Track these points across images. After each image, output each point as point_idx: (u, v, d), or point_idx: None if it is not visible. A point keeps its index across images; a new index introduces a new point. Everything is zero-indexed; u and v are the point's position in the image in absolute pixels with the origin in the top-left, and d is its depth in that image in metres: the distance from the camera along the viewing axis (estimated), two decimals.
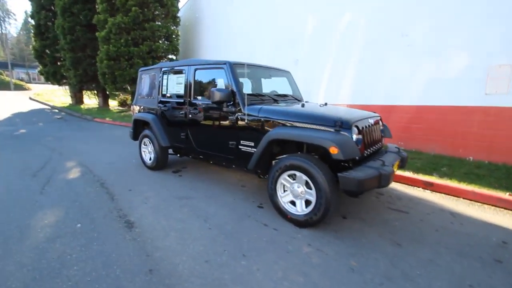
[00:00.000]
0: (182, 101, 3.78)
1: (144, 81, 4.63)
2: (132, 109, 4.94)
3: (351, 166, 2.48)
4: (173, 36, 13.34)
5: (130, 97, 15.47)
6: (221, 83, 3.40)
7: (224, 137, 3.29)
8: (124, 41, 11.71)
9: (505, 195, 3.13)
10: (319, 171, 2.37)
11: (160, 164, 4.32)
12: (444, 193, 3.52)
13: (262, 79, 3.88)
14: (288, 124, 2.73)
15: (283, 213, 2.70)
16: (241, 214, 2.89)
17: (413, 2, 5.22)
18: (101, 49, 12.00)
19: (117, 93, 15.38)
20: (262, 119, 2.91)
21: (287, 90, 4.02)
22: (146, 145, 4.55)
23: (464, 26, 4.57)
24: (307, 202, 2.55)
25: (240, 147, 3.15)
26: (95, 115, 12.88)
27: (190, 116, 3.67)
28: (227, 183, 3.86)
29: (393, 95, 5.57)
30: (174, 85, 3.96)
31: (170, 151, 4.40)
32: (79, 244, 2.28)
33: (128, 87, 13.02)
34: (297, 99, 3.84)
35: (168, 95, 4.08)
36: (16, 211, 2.89)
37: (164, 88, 4.12)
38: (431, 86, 5.00)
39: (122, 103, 20.22)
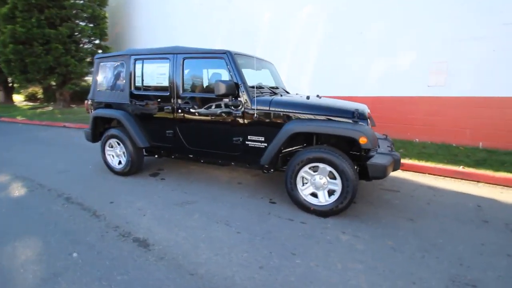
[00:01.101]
0: (167, 94, 3.31)
1: (104, 71, 3.87)
2: (86, 105, 4.09)
3: (368, 155, 2.65)
4: (100, 18, 11.50)
5: (42, 91, 12.75)
6: (218, 74, 3.12)
7: (226, 133, 3.06)
8: (35, 21, 9.49)
9: (459, 168, 3.87)
10: (346, 161, 2.46)
11: (134, 168, 3.74)
12: (413, 171, 4.13)
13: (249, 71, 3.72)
14: (304, 117, 2.72)
15: (304, 206, 2.70)
16: (259, 212, 2.77)
17: (369, 3, 5.79)
18: (3, 30, 9.44)
19: (28, 85, 12.47)
20: (275, 112, 2.82)
21: (270, 82, 3.97)
22: (112, 147, 3.86)
23: (411, 27, 5.33)
24: (329, 192, 2.63)
25: (247, 142, 2.98)
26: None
27: (180, 111, 3.26)
28: (221, 182, 3.63)
29: (351, 87, 6.14)
30: (153, 76, 3.43)
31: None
32: (95, 277, 1.81)
33: (43, 80, 10.72)
34: (286, 91, 3.83)
35: (144, 88, 3.52)
36: None
37: (138, 79, 3.53)
38: (384, 79, 5.71)
39: (31, 98, 16.60)
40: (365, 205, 2.94)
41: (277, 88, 3.66)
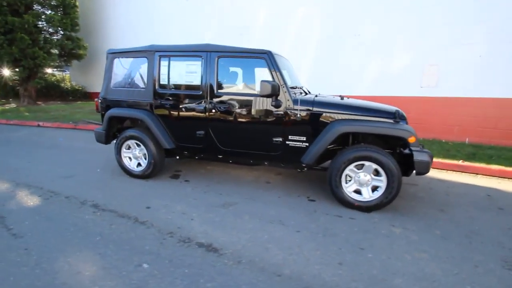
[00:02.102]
0: (199, 93, 3.20)
1: (121, 67, 3.59)
2: (96, 104, 3.76)
3: (407, 152, 2.85)
4: (71, 7, 10.52)
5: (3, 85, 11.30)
6: (257, 74, 3.10)
7: (266, 133, 3.06)
8: None
9: (459, 162, 4.32)
10: (391, 159, 2.63)
11: (156, 170, 3.56)
12: None
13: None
14: (347, 117, 2.84)
15: (348, 203, 2.83)
16: (306, 211, 2.84)
17: (365, 6, 6.10)
18: None
19: None
20: (318, 112, 2.89)
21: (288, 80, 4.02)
22: (130, 148, 3.62)
23: (406, 31, 5.75)
24: (372, 189, 2.79)
25: (287, 142, 3.01)
26: None
27: (214, 111, 3.17)
28: (249, 182, 3.62)
29: (347, 86, 6.44)
30: (182, 74, 3.29)
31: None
32: (182, 287, 1.73)
33: (6, 72, 9.53)
34: (309, 92, 3.91)
35: (170, 86, 3.35)
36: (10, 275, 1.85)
37: (164, 77, 3.34)
38: (379, 79, 6.09)
39: None
40: (397, 199, 3.16)
41: (300, 87, 3.73)
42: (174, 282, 1.78)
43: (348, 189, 2.84)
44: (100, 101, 3.71)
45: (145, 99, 3.44)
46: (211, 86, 3.15)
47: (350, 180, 2.85)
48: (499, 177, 4.01)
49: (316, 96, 3.22)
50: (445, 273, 1.93)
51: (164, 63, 3.33)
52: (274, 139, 3.05)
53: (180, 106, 3.31)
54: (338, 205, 2.94)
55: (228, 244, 2.22)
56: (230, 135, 3.22)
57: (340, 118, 2.84)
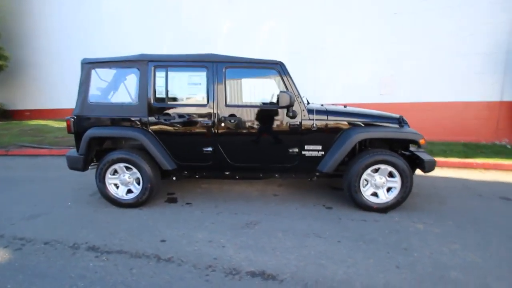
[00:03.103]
0: (205, 107, 2.92)
1: (99, 79, 3.04)
2: (68, 123, 3.09)
3: (407, 154, 3.11)
4: None
5: None
6: (268, 85, 3.00)
7: (282, 145, 2.97)
8: None
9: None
10: (404, 161, 2.83)
11: (152, 196, 3.10)
12: None
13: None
14: (361, 124, 2.96)
15: (366, 206, 2.92)
16: (330, 219, 2.82)
17: (329, 21, 6.60)
18: None
19: None
20: (333, 121, 2.94)
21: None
22: (117, 173, 3.08)
23: (365, 46, 6.40)
24: (387, 190, 2.95)
25: (303, 152, 2.98)
26: None
27: (223, 125, 2.93)
28: (256, 196, 3.45)
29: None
30: (182, 86, 2.97)
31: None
32: None
33: None
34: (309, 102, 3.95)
35: (169, 100, 2.98)
36: None
37: (160, 90, 2.96)
38: (345, 89, 6.61)
39: None
40: (410, 196, 3.34)
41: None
42: None
43: (366, 193, 2.95)
44: (73, 119, 3.07)
45: (137, 115, 2.98)
46: (220, 99, 2.92)
47: (366, 184, 2.97)
48: (459, 167, 4.73)
49: (322, 105, 3.29)
50: (483, 259, 2.14)
51: (160, 74, 2.96)
52: (290, 150, 2.99)
53: (183, 122, 2.97)
54: (355, 210, 3.02)
55: (281, 268, 2.04)
56: (243, 150, 3.02)
57: (352, 126, 2.96)
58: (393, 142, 3.18)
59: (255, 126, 2.96)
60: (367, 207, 2.94)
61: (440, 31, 5.76)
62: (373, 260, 2.14)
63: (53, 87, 10.23)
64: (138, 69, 2.96)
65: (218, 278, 1.94)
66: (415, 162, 3.03)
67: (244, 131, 2.97)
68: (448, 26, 5.68)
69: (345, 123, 2.96)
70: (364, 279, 1.92)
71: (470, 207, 3.14)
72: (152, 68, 2.94)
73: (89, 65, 3.04)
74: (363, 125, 2.97)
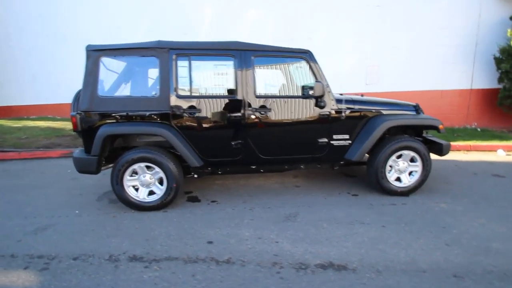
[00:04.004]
0: (235, 98, 2.76)
1: (111, 69, 2.67)
2: (74, 120, 2.67)
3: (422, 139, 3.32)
4: None
5: None
6: (297, 74, 2.92)
7: (312, 135, 2.96)
8: None
9: None
10: (424, 146, 3.02)
11: (176, 196, 2.88)
12: None
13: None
14: (384, 112, 3.07)
15: (391, 191, 3.08)
16: (364, 206, 2.92)
17: (314, 11, 6.64)
18: None
19: None
20: (359, 110, 3.01)
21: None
22: (136, 175, 2.78)
23: (351, 36, 6.59)
24: (409, 174, 3.13)
25: (332, 142, 3.01)
26: None
27: (253, 117, 2.81)
28: (279, 189, 3.43)
29: None
30: (208, 76, 2.75)
31: None
32: None
33: None
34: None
35: (194, 91, 2.74)
36: None
37: (184, 81, 2.71)
38: (333, 78, 6.75)
39: None
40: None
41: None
42: None
43: (391, 178, 3.09)
44: (80, 116, 2.67)
45: (158, 109, 2.71)
46: (249, 89, 2.79)
47: (391, 170, 3.11)
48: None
49: (341, 94, 3.34)
50: (508, 229, 2.41)
51: (182, 64, 2.70)
52: (320, 140, 2.99)
53: (210, 115, 2.78)
54: (379, 195, 3.16)
55: (346, 257, 2.06)
56: (273, 142, 2.95)
57: (377, 114, 3.06)
58: (410, 128, 3.37)
59: (286, 117, 2.89)
60: (392, 192, 3.10)
61: (418, 24, 6.20)
62: (423, 240, 2.27)
63: None
64: (157, 57, 2.67)
65: (291, 274, 1.89)
66: (430, 146, 3.27)
67: (275, 122, 2.89)
68: (426, 19, 6.14)
69: (370, 112, 3.05)
70: (425, 258, 2.03)
71: (473, 184, 3.49)
72: (174, 56, 2.68)
73: (97, 52, 2.65)
74: (385, 113, 3.09)
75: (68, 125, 7.32)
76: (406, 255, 2.08)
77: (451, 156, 4.85)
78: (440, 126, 3.06)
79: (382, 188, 3.10)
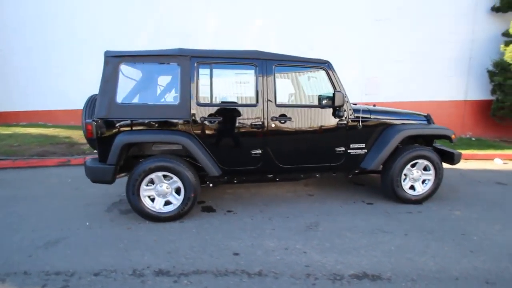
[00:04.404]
0: (256, 107, 2.75)
1: (129, 75, 2.61)
2: (89, 128, 2.57)
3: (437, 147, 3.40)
4: None
5: None
6: (316, 84, 2.95)
7: (330, 144, 2.99)
8: None
9: None
10: (437, 155, 3.10)
11: (193, 206, 2.80)
12: None
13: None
14: (397, 122, 3.13)
15: (407, 199, 3.11)
16: (381, 214, 2.94)
17: (317, 23, 6.81)
18: None
19: None
20: (375, 120, 3.06)
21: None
22: (152, 184, 2.69)
23: (351, 48, 6.77)
24: (422, 182, 3.19)
25: (349, 151, 3.04)
26: None
27: (274, 126, 2.80)
28: (293, 198, 3.41)
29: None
30: (229, 85, 2.74)
31: None
32: None
33: None
34: None
35: (214, 99, 2.71)
36: None
37: (205, 89, 2.68)
38: None
39: None
40: None
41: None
42: None
43: (406, 186, 3.14)
44: (96, 123, 2.58)
45: (178, 117, 2.66)
46: (270, 98, 2.79)
47: (405, 179, 3.16)
48: None
49: (355, 104, 3.39)
50: None
51: (204, 72, 2.68)
52: (337, 149, 3.01)
53: (230, 123, 2.75)
54: (393, 203, 3.19)
55: (378, 267, 2.05)
56: (292, 151, 2.94)
57: (392, 124, 3.12)
58: (421, 137, 3.45)
59: (306, 126, 2.91)
60: (406, 200, 3.14)
61: (416, 38, 6.47)
62: (447, 248, 2.30)
63: None
64: (179, 65, 2.64)
65: (327, 285, 1.85)
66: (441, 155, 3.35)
67: (294, 131, 2.89)
68: (423, 33, 6.42)
69: (386, 121, 3.12)
70: (454, 266, 2.05)
71: (479, 192, 3.60)
72: (195, 64, 2.66)
73: (116, 59, 2.59)
74: (399, 123, 3.16)
75: (62, 132, 7.09)
76: (435, 263, 2.10)
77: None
78: (453, 136, 3.16)
79: (397, 196, 3.13)
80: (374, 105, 3.53)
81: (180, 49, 2.68)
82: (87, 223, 2.79)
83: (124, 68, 2.60)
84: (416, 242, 2.40)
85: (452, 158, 3.21)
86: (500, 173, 4.49)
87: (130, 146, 2.73)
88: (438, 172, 3.12)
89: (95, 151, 3.20)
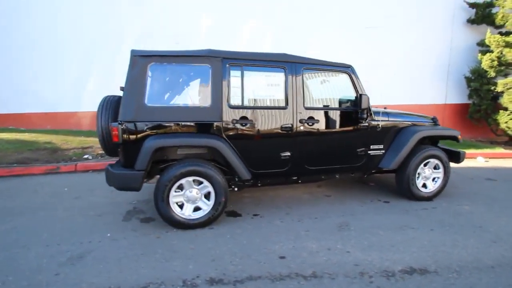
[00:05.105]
0: (286, 109, 2.76)
1: (159, 76, 2.47)
2: (115, 130, 2.38)
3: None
4: None
5: None
6: (338, 87, 3.03)
7: (353, 145, 3.09)
8: None
9: None
10: (445, 154, 3.33)
11: (223, 211, 2.72)
12: None
13: None
14: (411, 124, 3.33)
15: (419, 196, 3.31)
16: (402, 211, 3.09)
17: (310, 28, 6.98)
18: None
19: None
20: (392, 122, 3.23)
21: None
22: (181, 190, 2.57)
23: (342, 53, 7.02)
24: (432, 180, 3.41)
25: (369, 152, 3.16)
26: None
27: (302, 128, 2.82)
28: (312, 199, 3.46)
29: None
30: (259, 87, 2.71)
31: None
32: None
33: None
34: None
35: (246, 102, 2.66)
36: None
37: (236, 91, 2.63)
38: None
39: None
40: None
41: None
42: None
43: (419, 185, 3.34)
44: (123, 126, 2.40)
45: (209, 120, 2.58)
46: (299, 101, 2.81)
47: (418, 177, 3.35)
48: None
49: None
50: None
51: (235, 74, 2.63)
52: (359, 150, 3.12)
53: (261, 126, 2.73)
54: (408, 201, 3.37)
55: (420, 261, 2.15)
56: (319, 153, 3.00)
57: (407, 125, 3.31)
58: (428, 137, 3.69)
59: (332, 128, 2.98)
60: (420, 197, 3.33)
61: (402, 45, 6.93)
62: (472, 240, 2.48)
63: None
64: (210, 66, 2.56)
65: (384, 282, 1.91)
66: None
67: (322, 133, 2.95)
68: (408, 41, 6.89)
69: (402, 123, 3.30)
70: (485, 255, 2.22)
71: (476, 188, 3.93)
72: (227, 66, 2.60)
73: (145, 59, 2.45)
74: (416, 125, 3.37)
75: (40, 137, 6.48)
76: (468, 254, 2.25)
77: None
78: (459, 137, 3.43)
79: (411, 194, 3.31)
80: (385, 108, 3.73)
81: (210, 50, 2.61)
82: (108, 235, 2.58)
83: (154, 69, 2.47)
84: (443, 236, 2.56)
85: (458, 157, 3.48)
86: (486, 170, 4.94)
87: (157, 150, 2.60)
88: (447, 171, 3.36)
89: (112, 157, 3.01)
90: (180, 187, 2.60)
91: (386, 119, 3.22)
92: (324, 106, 3.02)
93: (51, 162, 5.31)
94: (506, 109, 5.92)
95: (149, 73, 2.48)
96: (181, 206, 2.64)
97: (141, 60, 2.45)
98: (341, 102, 3.19)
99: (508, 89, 5.72)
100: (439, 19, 6.83)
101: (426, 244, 2.42)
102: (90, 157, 5.66)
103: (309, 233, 2.62)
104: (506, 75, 6.12)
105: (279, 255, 2.24)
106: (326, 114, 2.96)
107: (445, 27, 6.86)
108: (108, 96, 2.88)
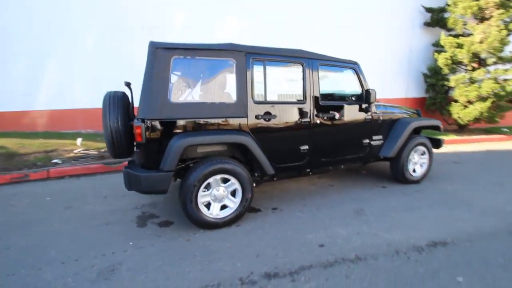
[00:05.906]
0: (303, 104, 2.82)
1: (183, 70, 2.31)
2: (139, 129, 2.16)
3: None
4: None
5: None
6: (344, 82, 3.20)
7: (360, 137, 3.32)
8: None
9: None
10: (430, 141, 3.78)
11: (248, 208, 2.70)
12: None
13: None
14: (403, 116, 3.68)
15: (411, 180, 3.71)
16: (401, 195, 3.42)
17: (283, 23, 7.11)
18: None
19: None
20: (389, 114, 3.53)
21: None
22: (207, 190, 2.48)
23: (313, 49, 7.33)
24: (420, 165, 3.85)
25: (371, 142, 3.42)
26: None
27: (319, 122, 2.92)
28: (319, 190, 3.62)
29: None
30: (279, 82, 2.72)
31: None
32: None
33: None
34: None
35: (268, 97, 2.65)
36: None
37: (259, 86, 2.60)
38: None
39: None
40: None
41: None
42: None
43: (410, 170, 3.73)
44: (147, 125, 2.20)
45: (235, 116, 2.52)
46: (316, 96, 2.91)
47: (409, 163, 3.74)
48: None
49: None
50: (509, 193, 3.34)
51: (258, 69, 2.61)
52: (364, 141, 3.36)
53: (283, 120, 2.76)
54: (401, 185, 3.75)
55: (439, 235, 2.45)
56: (333, 145, 3.16)
57: (400, 117, 3.66)
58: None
59: (344, 121, 3.15)
60: (411, 181, 3.73)
61: (370, 44, 7.50)
62: (469, 213, 2.91)
63: None
64: (234, 60, 2.50)
65: (419, 256, 2.14)
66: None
67: (335, 127, 3.11)
68: (376, 41, 7.49)
69: (396, 115, 3.64)
70: (486, 224, 2.64)
71: (448, 170, 4.51)
72: (251, 60, 2.56)
73: (168, 51, 2.27)
74: (408, 116, 3.74)
75: None
76: (471, 225, 2.64)
77: None
78: (441, 126, 3.92)
79: (405, 178, 3.69)
80: (378, 101, 4.07)
81: (232, 44, 2.54)
82: (131, 243, 2.37)
83: (177, 63, 2.31)
84: (444, 212, 2.94)
85: (438, 144, 3.98)
86: (449, 155, 5.69)
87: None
88: (431, 156, 3.83)
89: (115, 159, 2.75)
90: (206, 187, 2.51)
91: (385, 111, 3.54)
92: (336, 98, 3.19)
93: (10, 170, 4.57)
94: (456, 101, 6.91)
95: (172, 67, 2.32)
96: (208, 206, 2.56)
97: (163, 53, 2.28)
98: (350, 96, 3.39)
99: (459, 84, 6.67)
100: (401, 21, 7.58)
101: (435, 220, 2.75)
102: (60, 162, 5.03)
103: (332, 221, 2.76)
104: (455, 72, 7.11)
105: (318, 244, 2.34)
106: (339, 107, 3.12)
107: (405, 28, 7.65)
108: (110, 92, 2.63)
